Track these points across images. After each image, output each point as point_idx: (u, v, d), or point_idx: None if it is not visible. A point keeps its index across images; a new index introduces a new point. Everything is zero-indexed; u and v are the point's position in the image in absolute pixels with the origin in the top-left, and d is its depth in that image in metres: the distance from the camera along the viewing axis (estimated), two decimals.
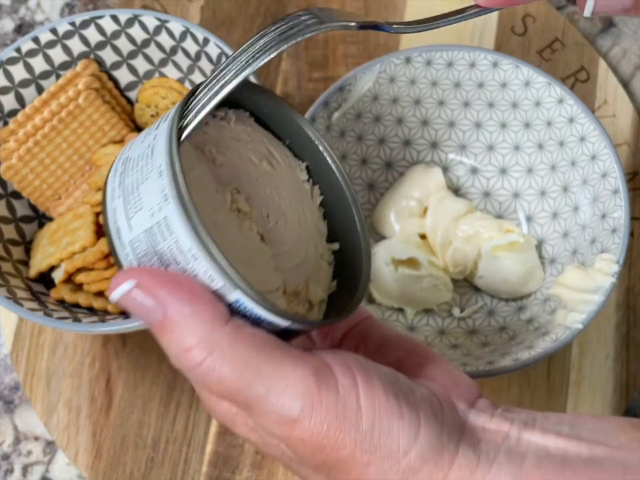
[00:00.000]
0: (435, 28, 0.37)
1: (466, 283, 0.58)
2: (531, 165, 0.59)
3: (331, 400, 0.31)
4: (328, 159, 0.37)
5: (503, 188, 0.60)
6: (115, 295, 0.31)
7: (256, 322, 0.32)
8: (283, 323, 0.32)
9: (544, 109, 0.57)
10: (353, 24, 0.33)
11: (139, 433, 0.57)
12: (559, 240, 0.57)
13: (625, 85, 0.65)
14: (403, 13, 0.66)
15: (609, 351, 0.58)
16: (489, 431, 0.33)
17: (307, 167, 0.38)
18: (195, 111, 0.31)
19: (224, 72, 0.31)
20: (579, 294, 0.53)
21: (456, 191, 0.60)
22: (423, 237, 0.58)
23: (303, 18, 0.32)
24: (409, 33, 0.36)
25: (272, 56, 0.31)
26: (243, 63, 0.31)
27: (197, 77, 0.57)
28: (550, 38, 0.65)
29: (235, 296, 0.31)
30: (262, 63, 0.31)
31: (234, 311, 0.31)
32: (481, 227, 0.57)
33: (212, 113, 0.35)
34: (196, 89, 0.32)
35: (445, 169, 0.60)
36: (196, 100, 0.32)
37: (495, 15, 0.65)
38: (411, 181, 0.59)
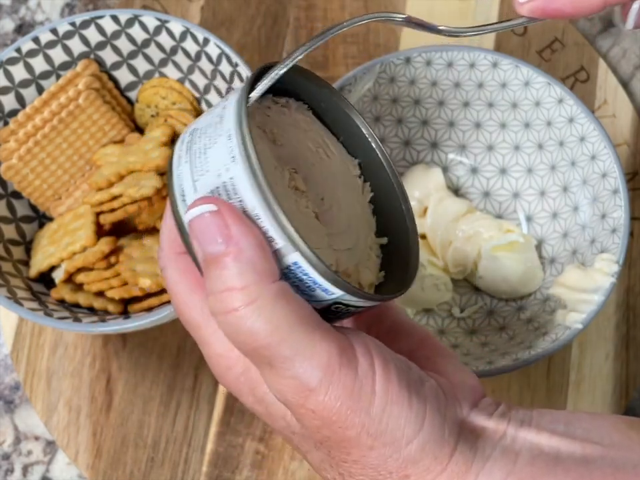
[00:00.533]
0: (483, 33, 0.38)
1: (466, 283, 0.58)
2: (530, 165, 0.59)
3: (349, 379, 0.31)
4: (380, 157, 0.38)
5: (503, 188, 0.60)
6: (193, 212, 0.31)
7: (305, 290, 0.32)
8: (335, 291, 0.32)
9: (544, 109, 0.57)
10: (400, 17, 0.35)
11: (139, 432, 0.57)
12: (559, 240, 0.57)
13: (625, 85, 0.65)
14: (403, 13, 0.66)
15: (609, 351, 0.58)
16: (486, 429, 0.33)
17: (359, 164, 0.38)
18: (264, 81, 0.33)
19: (294, 52, 0.33)
20: (579, 294, 0.53)
21: (456, 191, 0.60)
22: (423, 237, 0.58)
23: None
24: (457, 36, 0.37)
25: (325, 39, 0.33)
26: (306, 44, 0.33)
27: (197, 77, 0.57)
28: (550, 38, 0.65)
29: (293, 258, 0.31)
30: (317, 43, 0.33)
31: (285, 276, 0.32)
32: (481, 227, 0.57)
33: (274, 100, 0.36)
34: (268, 65, 0.34)
35: (445, 169, 0.60)
36: (266, 75, 0.33)
37: (494, 15, 0.65)
38: (411, 181, 0.59)
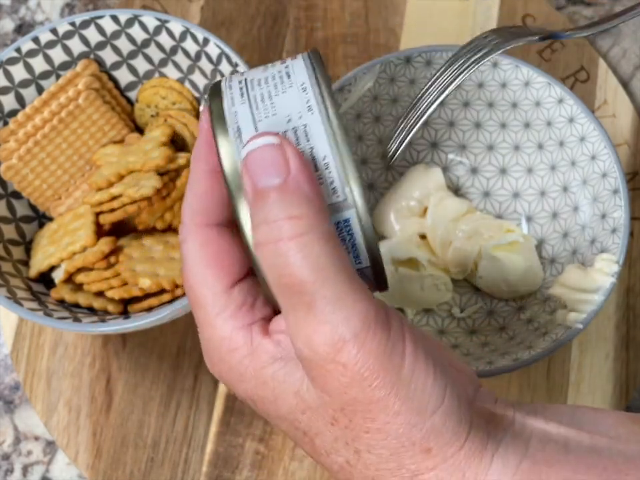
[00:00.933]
0: (608, 28, 0.39)
1: (466, 283, 0.58)
2: (530, 164, 0.59)
3: (383, 337, 0.31)
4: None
5: (503, 188, 0.60)
6: (256, 142, 0.31)
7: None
8: (365, 262, 0.33)
9: (544, 109, 0.57)
10: (535, 38, 0.35)
11: (139, 432, 0.57)
12: (559, 240, 0.57)
13: (625, 85, 0.65)
14: (403, 13, 0.66)
15: (609, 351, 0.58)
16: (495, 415, 0.33)
17: None
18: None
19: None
20: (579, 294, 0.53)
21: (456, 191, 0.60)
22: (423, 237, 0.58)
23: (488, 39, 0.36)
24: (584, 36, 0.38)
25: (467, 74, 0.36)
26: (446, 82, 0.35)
27: (197, 77, 0.57)
28: None
29: (346, 215, 0.32)
30: (460, 80, 0.36)
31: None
32: (481, 227, 0.57)
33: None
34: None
35: (445, 169, 0.60)
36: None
37: (494, 15, 0.65)
38: (411, 181, 0.59)
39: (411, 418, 0.31)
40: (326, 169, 0.32)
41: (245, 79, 0.34)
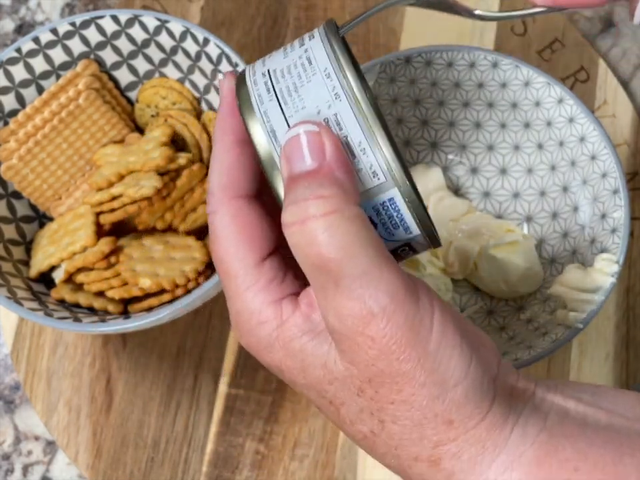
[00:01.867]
0: (508, 19, 0.40)
1: (466, 283, 0.58)
2: (530, 165, 0.59)
3: (411, 311, 0.31)
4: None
5: (503, 188, 0.60)
6: (296, 130, 0.32)
7: (388, 228, 0.33)
8: (415, 231, 0.33)
9: (544, 109, 0.57)
10: None
11: (139, 432, 0.57)
12: (559, 240, 0.57)
13: (625, 85, 0.65)
14: (403, 13, 0.66)
15: (609, 351, 0.58)
16: (516, 387, 0.34)
17: None
18: (351, 23, 0.35)
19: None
20: (579, 294, 0.53)
21: (456, 191, 0.60)
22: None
23: None
24: (485, 19, 0.40)
25: None
26: None
27: (197, 77, 0.57)
28: (550, 38, 0.65)
29: (389, 195, 0.32)
30: None
31: (371, 215, 0.33)
32: (481, 227, 0.57)
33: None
34: (330, 20, 0.35)
35: (445, 169, 0.60)
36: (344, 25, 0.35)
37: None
38: None
39: (435, 390, 0.32)
40: (363, 154, 0.32)
41: (268, 70, 0.34)
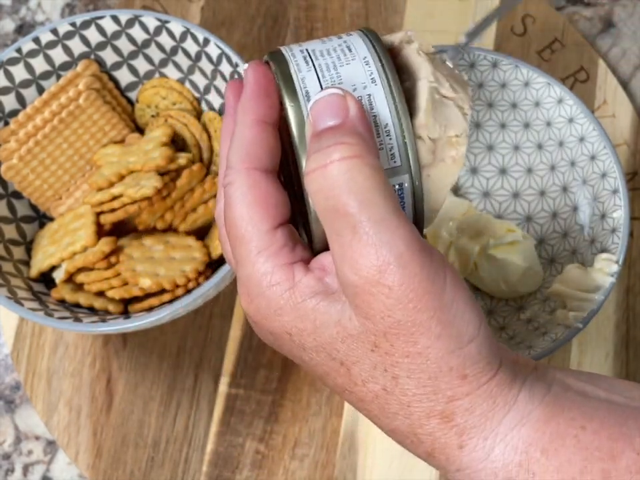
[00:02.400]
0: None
1: (466, 283, 0.58)
2: (530, 164, 0.59)
3: (426, 261, 0.32)
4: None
5: (503, 188, 0.60)
6: (322, 93, 0.33)
7: None
8: (417, 218, 0.36)
9: (543, 109, 0.57)
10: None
11: (140, 432, 0.57)
12: (559, 240, 0.57)
13: (625, 85, 0.65)
14: (403, 13, 0.66)
15: (609, 351, 0.59)
16: (518, 360, 0.35)
17: None
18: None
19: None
20: (579, 294, 0.53)
21: (456, 191, 0.60)
22: (424, 237, 0.58)
23: None
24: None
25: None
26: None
27: (198, 77, 0.57)
28: (549, 38, 0.66)
29: (400, 180, 0.34)
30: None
31: None
32: (480, 227, 0.57)
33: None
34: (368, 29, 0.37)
35: None
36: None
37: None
38: None
39: (451, 343, 0.32)
40: (387, 135, 0.34)
41: (307, 49, 0.36)
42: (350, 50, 0.36)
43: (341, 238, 0.32)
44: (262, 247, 0.34)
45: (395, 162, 0.34)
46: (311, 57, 0.36)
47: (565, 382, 0.34)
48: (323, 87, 0.34)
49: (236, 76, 0.54)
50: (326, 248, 0.35)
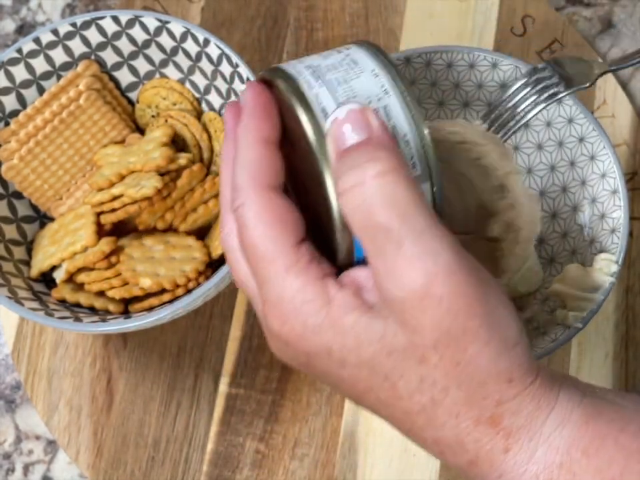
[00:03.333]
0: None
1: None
2: (530, 165, 0.59)
3: (471, 268, 0.32)
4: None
5: None
6: (340, 110, 0.33)
7: None
8: None
9: (543, 110, 0.57)
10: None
11: (140, 432, 0.57)
12: (559, 240, 0.57)
13: (624, 85, 0.65)
14: (403, 13, 0.66)
15: (608, 351, 0.59)
16: (549, 368, 0.35)
17: None
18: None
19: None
20: (579, 294, 0.53)
21: None
22: None
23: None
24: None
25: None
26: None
27: (198, 78, 0.57)
28: (549, 39, 0.66)
29: (422, 187, 0.34)
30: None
31: None
32: None
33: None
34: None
35: None
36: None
37: (494, 15, 0.66)
38: None
39: (498, 348, 0.32)
40: (406, 145, 0.34)
41: (311, 64, 0.36)
42: (356, 63, 0.36)
43: (383, 254, 0.31)
44: (289, 264, 0.33)
45: (415, 170, 0.34)
46: (318, 73, 0.35)
47: (594, 391, 0.35)
48: (339, 101, 0.34)
49: (236, 76, 0.54)
50: (350, 261, 0.34)
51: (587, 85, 0.50)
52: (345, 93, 0.35)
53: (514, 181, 0.54)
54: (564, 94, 0.49)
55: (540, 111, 0.50)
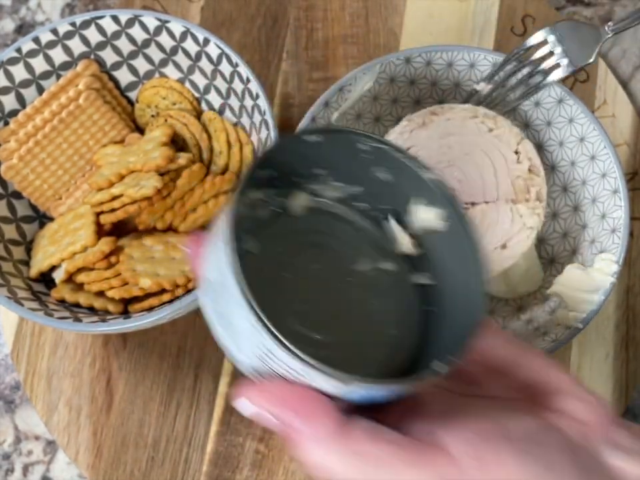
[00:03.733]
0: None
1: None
2: None
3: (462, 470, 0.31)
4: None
5: None
6: (240, 406, 0.35)
7: (367, 402, 0.33)
8: (397, 390, 0.32)
9: (544, 109, 0.57)
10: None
11: (140, 432, 0.57)
12: (559, 240, 0.57)
13: (625, 85, 0.65)
14: (402, 13, 0.66)
15: (609, 351, 0.59)
16: (626, 473, 0.33)
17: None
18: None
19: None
20: (579, 294, 0.53)
21: None
22: None
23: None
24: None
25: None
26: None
27: (198, 77, 0.57)
28: None
29: (350, 389, 0.32)
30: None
31: (350, 402, 0.33)
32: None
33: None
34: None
35: None
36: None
37: (494, 15, 0.65)
38: None
39: None
40: (300, 375, 0.32)
41: (204, 278, 0.34)
42: (224, 285, 0.31)
43: None
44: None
45: (332, 392, 0.33)
46: (213, 302, 0.33)
47: None
48: (236, 343, 0.33)
49: (236, 76, 0.54)
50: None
51: (591, 60, 0.53)
52: (233, 333, 0.33)
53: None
54: (570, 71, 0.52)
55: (552, 82, 0.54)
